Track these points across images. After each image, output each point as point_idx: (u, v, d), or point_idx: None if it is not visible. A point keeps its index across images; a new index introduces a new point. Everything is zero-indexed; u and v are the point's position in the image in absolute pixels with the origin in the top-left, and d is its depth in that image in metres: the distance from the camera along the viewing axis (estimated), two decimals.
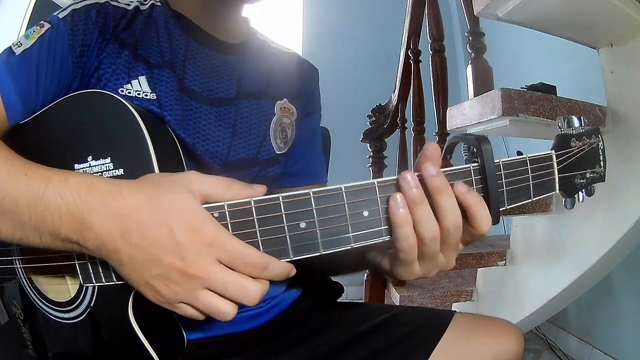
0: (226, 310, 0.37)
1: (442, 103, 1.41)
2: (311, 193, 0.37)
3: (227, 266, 0.36)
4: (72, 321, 0.47)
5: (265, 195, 0.38)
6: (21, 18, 1.75)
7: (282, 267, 0.38)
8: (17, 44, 0.51)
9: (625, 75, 1.02)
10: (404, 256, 0.39)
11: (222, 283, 0.36)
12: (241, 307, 0.60)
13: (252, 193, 0.38)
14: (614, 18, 0.95)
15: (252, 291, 0.37)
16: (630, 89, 1.00)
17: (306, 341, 0.59)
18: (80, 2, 0.54)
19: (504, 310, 1.38)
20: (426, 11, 1.50)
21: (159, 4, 0.60)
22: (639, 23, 0.94)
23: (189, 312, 0.38)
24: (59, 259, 0.45)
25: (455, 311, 0.61)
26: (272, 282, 0.64)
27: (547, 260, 1.24)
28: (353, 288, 0.64)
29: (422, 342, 0.57)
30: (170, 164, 0.48)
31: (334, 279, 0.70)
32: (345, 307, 0.66)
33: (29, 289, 0.51)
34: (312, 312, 0.65)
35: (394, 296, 1.45)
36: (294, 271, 0.39)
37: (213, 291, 0.37)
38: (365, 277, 1.57)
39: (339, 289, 0.70)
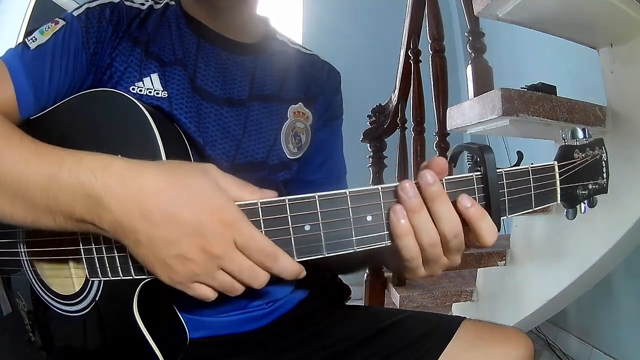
0: (238, 286, 0.39)
1: (442, 103, 1.41)
2: (316, 196, 0.38)
3: (240, 250, 0.37)
4: (76, 314, 0.48)
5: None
6: (21, 18, 1.75)
7: (292, 264, 0.38)
8: (31, 38, 0.51)
9: (625, 75, 1.02)
10: (408, 264, 0.40)
11: (238, 267, 0.37)
12: (244, 307, 0.60)
13: (261, 196, 0.39)
14: (614, 18, 0.95)
15: (262, 275, 0.38)
16: (630, 89, 1.00)
17: (308, 344, 0.59)
18: (95, 0, 0.55)
19: (504, 310, 1.38)
20: (426, 11, 1.50)
21: (172, 3, 0.61)
22: (639, 23, 0.94)
23: (202, 290, 0.38)
24: (66, 253, 0.45)
25: (465, 318, 0.60)
26: (281, 282, 0.64)
27: (547, 260, 1.24)
28: (353, 288, 0.65)
29: (427, 350, 0.56)
30: None
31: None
32: (351, 311, 0.66)
33: (34, 281, 0.51)
34: (317, 314, 0.64)
35: (394, 296, 1.45)
36: (303, 273, 0.39)
37: (227, 273, 0.38)
38: (365, 277, 1.57)
39: (346, 291, 0.69)
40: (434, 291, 1.43)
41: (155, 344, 0.44)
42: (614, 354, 1.54)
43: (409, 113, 1.64)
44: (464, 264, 1.35)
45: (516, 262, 1.35)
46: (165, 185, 0.36)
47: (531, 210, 0.43)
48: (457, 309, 1.55)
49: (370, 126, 1.81)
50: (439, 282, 1.52)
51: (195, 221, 0.36)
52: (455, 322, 0.58)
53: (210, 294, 0.39)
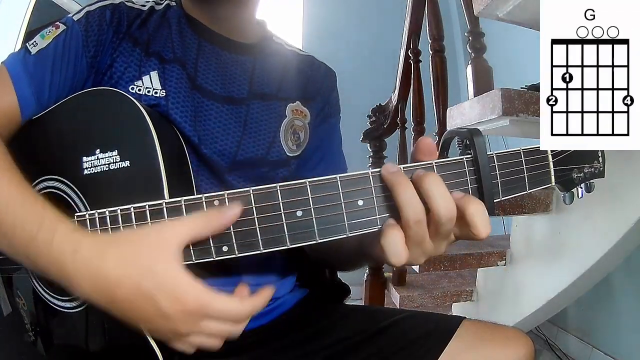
0: (216, 344, 0.41)
1: (442, 103, 1.41)
2: (307, 182, 0.38)
3: (215, 321, 0.39)
4: (74, 310, 0.48)
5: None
6: (21, 18, 1.76)
7: (263, 303, 0.41)
8: (32, 43, 0.52)
9: None
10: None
11: (210, 332, 0.40)
12: None
13: (228, 218, 0.39)
14: None
15: (238, 330, 0.41)
16: None
17: (308, 343, 0.59)
18: (95, 3, 0.56)
19: (504, 310, 1.38)
20: (426, 11, 1.50)
21: (173, 4, 0.62)
22: None
23: (183, 347, 0.41)
24: None
25: (464, 318, 0.59)
26: (281, 281, 0.64)
27: (547, 260, 1.24)
28: (353, 288, 0.65)
29: (427, 350, 0.56)
30: (175, 160, 0.49)
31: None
32: (350, 310, 0.66)
33: (32, 278, 0.51)
34: (316, 313, 0.64)
35: (394, 296, 1.45)
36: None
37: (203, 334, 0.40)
38: (365, 277, 1.57)
39: (346, 290, 0.69)
40: (434, 291, 1.43)
41: (153, 339, 0.44)
42: (614, 354, 1.54)
43: (409, 113, 1.64)
44: (464, 264, 1.35)
45: (516, 262, 1.35)
46: (127, 278, 0.38)
47: (525, 192, 0.42)
48: (457, 309, 1.55)
49: (370, 126, 1.82)
50: (439, 282, 1.52)
51: (158, 312, 0.38)
52: (455, 322, 0.58)
53: (191, 350, 0.41)
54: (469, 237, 0.39)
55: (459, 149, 0.42)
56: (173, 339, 0.40)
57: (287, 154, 0.62)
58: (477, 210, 0.37)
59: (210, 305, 0.38)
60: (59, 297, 0.49)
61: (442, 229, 0.38)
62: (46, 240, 0.39)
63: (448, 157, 0.41)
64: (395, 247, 0.37)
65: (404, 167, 0.39)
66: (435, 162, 0.39)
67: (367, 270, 1.56)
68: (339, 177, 0.38)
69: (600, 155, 0.46)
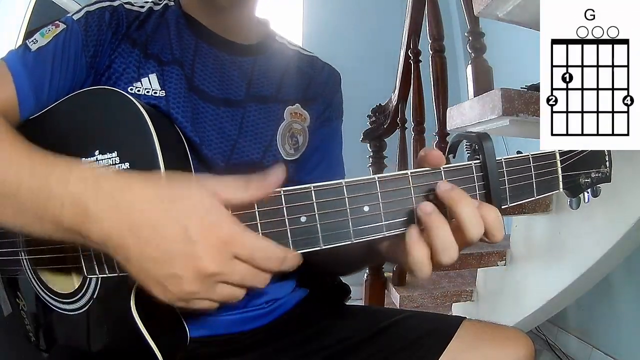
0: (239, 295, 0.37)
1: (442, 103, 1.41)
2: (312, 187, 0.37)
3: (244, 262, 0.35)
4: (75, 312, 0.48)
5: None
6: (21, 18, 1.76)
7: (297, 260, 0.37)
8: (32, 40, 0.52)
9: None
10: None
11: (240, 277, 0.35)
12: (244, 306, 0.60)
13: (266, 189, 0.36)
14: None
15: (266, 278, 0.37)
16: None
17: (308, 344, 0.59)
18: (94, 4, 0.56)
19: (504, 310, 1.38)
20: (426, 11, 1.50)
21: (172, 3, 0.61)
22: None
23: (203, 305, 0.36)
24: (64, 250, 0.45)
25: (465, 318, 0.59)
26: (281, 281, 0.64)
27: (547, 260, 1.24)
28: (353, 288, 0.65)
29: (427, 350, 0.56)
30: (176, 161, 0.48)
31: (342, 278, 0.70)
32: (350, 311, 0.66)
33: (33, 280, 0.51)
34: (316, 314, 0.64)
35: (394, 296, 1.45)
36: (301, 260, 0.38)
37: (228, 283, 0.35)
38: (365, 277, 1.57)
39: (346, 290, 0.69)
40: (434, 291, 1.43)
41: (154, 341, 0.44)
42: (614, 354, 1.54)
43: (409, 113, 1.64)
44: (464, 264, 1.35)
45: (516, 262, 1.35)
46: (154, 200, 0.34)
47: (533, 198, 0.42)
48: (457, 309, 1.55)
49: (370, 126, 1.82)
50: (439, 282, 1.52)
51: (186, 240, 0.33)
52: (455, 322, 0.58)
53: (211, 306, 0.37)
54: (482, 241, 0.39)
55: (467, 153, 0.42)
56: (198, 289, 0.34)
57: (284, 157, 0.62)
58: (495, 219, 0.37)
59: (245, 238, 0.34)
60: (60, 299, 0.49)
61: (470, 243, 0.38)
62: (62, 177, 0.35)
63: (455, 160, 0.41)
64: (422, 264, 0.37)
65: (413, 172, 0.39)
66: (444, 168, 0.39)
67: (367, 270, 1.56)
68: (345, 182, 0.37)
69: (607, 159, 0.45)
